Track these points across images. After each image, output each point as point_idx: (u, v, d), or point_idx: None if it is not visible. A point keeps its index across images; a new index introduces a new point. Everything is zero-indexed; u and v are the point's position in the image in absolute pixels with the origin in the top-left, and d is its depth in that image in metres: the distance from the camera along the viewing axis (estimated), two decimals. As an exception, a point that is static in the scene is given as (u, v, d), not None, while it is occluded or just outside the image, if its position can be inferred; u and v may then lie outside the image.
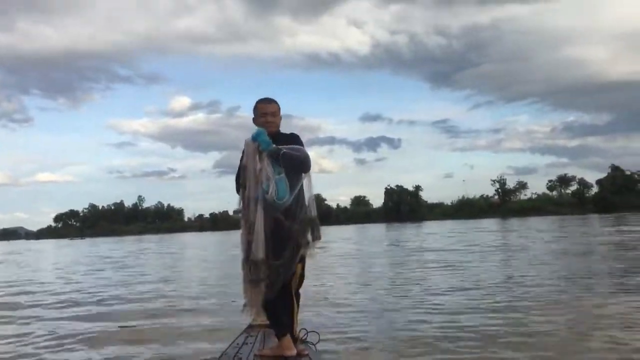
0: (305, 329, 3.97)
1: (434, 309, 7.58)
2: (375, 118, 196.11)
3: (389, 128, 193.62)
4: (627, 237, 21.31)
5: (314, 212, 3.59)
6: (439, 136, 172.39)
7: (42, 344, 6.59)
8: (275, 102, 3.83)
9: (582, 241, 20.79)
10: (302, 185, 3.57)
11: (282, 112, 3.82)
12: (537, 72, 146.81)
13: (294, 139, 3.71)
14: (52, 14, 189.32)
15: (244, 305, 3.47)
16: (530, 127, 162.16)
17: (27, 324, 8.22)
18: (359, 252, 22.22)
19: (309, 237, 3.57)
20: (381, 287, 10.36)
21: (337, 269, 14.57)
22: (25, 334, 7.30)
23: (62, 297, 11.20)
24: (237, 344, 3.96)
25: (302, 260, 3.64)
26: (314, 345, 4.05)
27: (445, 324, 6.47)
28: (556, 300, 7.80)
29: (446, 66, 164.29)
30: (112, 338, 6.75)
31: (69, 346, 6.40)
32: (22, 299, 11.46)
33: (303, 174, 3.58)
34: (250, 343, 3.97)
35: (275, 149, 3.47)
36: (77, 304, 10.15)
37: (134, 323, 7.70)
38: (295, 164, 3.52)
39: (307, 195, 3.60)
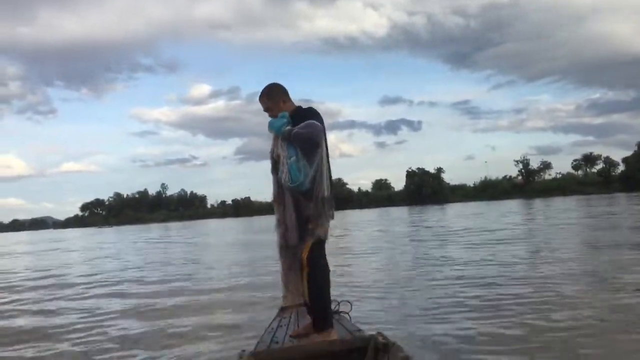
0: (336, 300, 4.01)
1: (463, 281, 7.65)
2: (394, 101, 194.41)
3: (409, 110, 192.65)
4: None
5: (326, 192, 3.51)
6: (460, 117, 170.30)
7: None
8: (264, 95, 3.82)
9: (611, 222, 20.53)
10: (318, 164, 3.51)
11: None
12: (559, 49, 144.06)
13: (309, 114, 3.68)
14: (73, 3, 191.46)
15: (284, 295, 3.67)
16: (553, 106, 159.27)
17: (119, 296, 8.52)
18: (384, 235, 22.28)
19: (323, 217, 3.52)
20: (408, 263, 10.45)
21: (362, 250, 14.69)
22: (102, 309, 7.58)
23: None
24: (272, 328, 3.98)
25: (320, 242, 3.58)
26: (347, 314, 4.13)
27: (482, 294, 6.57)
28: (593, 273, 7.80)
29: (465, 46, 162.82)
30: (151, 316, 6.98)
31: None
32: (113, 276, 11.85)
33: (317, 150, 3.52)
34: (285, 325, 4.00)
35: (287, 132, 3.54)
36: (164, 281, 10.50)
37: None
38: (304, 142, 3.51)
39: (321, 173, 3.52)
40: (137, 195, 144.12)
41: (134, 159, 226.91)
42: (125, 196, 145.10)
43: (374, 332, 3.16)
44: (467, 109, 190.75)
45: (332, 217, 3.57)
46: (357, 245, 16.79)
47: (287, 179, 3.50)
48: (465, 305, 6.30)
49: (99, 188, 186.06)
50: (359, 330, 3.59)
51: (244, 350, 3.06)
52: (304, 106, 3.83)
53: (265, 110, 3.81)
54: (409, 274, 9.46)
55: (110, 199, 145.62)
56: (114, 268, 15.07)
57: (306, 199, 3.50)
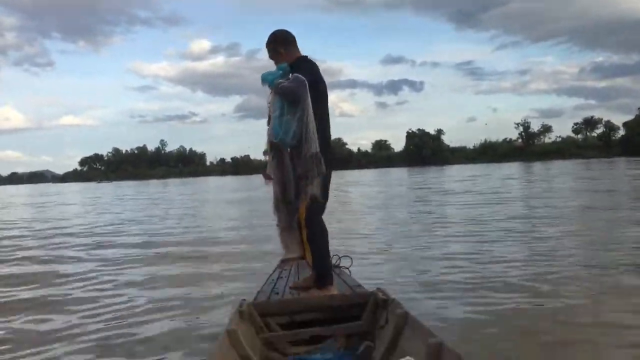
0: (337, 255, 4.04)
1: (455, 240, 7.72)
2: (397, 60, 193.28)
3: (412, 70, 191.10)
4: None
5: (313, 149, 3.29)
6: (463, 79, 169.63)
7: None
8: (267, 43, 3.68)
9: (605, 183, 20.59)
10: (301, 119, 3.31)
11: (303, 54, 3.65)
12: (566, 10, 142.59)
13: (302, 65, 3.54)
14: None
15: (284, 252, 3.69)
16: (557, 68, 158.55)
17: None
18: (382, 195, 22.36)
19: (311, 173, 3.34)
20: (404, 220, 10.52)
21: (359, 209, 14.77)
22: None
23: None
24: (272, 279, 4.02)
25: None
26: (347, 269, 4.15)
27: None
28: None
29: (470, 5, 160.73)
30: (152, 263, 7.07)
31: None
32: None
33: (299, 106, 3.32)
34: (285, 277, 4.04)
35: (275, 85, 3.39)
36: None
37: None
38: (287, 97, 3.34)
39: (307, 129, 3.30)
40: (136, 151, 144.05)
41: (133, 114, 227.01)
42: (124, 152, 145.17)
43: (373, 288, 3.14)
44: (471, 70, 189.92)
45: (323, 173, 3.35)
46: (354, 205, 16.87)
47: (270, 134, 3.42)
48: (456, 263, 6.37)
49: (97, 142, 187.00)
50: (359, 285, 3.60)
51: (244, 299, 3.04)
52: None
53: (270, 59, 3.69)
54: (405, 231, 9.55)
55: (109, 154, 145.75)
56: (115, 220, 15.25)
57: (296, 156, 3.39)
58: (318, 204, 3.48)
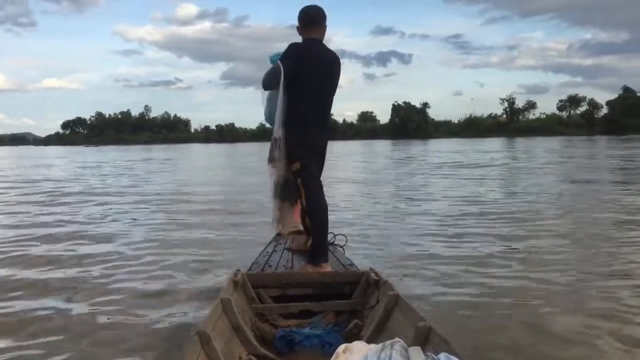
0: (332, 233, 4.10)
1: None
2: (386, 31, 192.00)
3: (401, 42, 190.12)
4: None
5: (275, 133, 3.56)
6: (451, 52, 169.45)
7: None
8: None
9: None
10: (269, 102, 3.67)
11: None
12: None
13: (302, 46, 3.68)
14: None
15: (275, 221, 3.89)
16: (546, 44, 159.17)
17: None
18: (365, 167, 22.56)
19: (271, 156, 3.60)
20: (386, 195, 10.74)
21: (341, 180, 14.94)
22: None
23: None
24: (267, 252, 4.08)
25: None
26: (342, 247, 4.27)
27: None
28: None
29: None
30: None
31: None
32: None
33: (269, 92, 3.67)
34: (279, 250, 4.14)
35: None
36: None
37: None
38: (262, 84, 3.66)
39: (276, 114, 3.57)
40: (119, 116, 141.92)
41: (117, 78, 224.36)
42: (107, 116, 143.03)
43: (367, 268, 3.21)
44: (459, 44, 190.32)
45: (281, 159, 3.58)
46: (338, 176, 17.02)
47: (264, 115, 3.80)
48: (439, 236, 6.61)
49: (80, 106, 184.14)
50: (352, 264, 3.70)
51: (238, 270, 3.09)
52: (301, 34, 3.72)
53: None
54: (387, 206, 9.79)
55: (92, 118, 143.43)
56: (110, 183, 15.18)
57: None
58: (314, 179, 3.63)
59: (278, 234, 4.50)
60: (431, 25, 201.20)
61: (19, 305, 4.11)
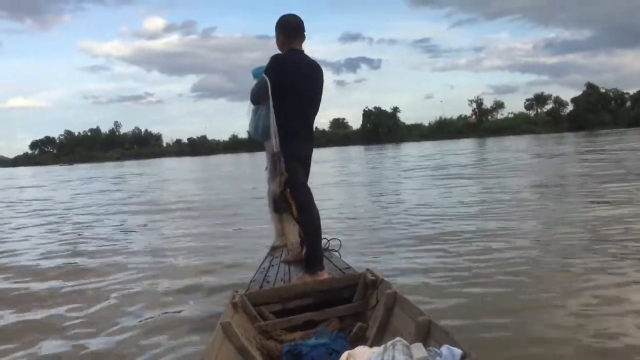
0: (326, 238, 4.07)
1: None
2: (355, 37, 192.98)
3: (369, 48, 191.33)
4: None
5: (275, 148, 3.48)
6: (420, 56, 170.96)
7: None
8: (275, 26, 3.68)
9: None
10: (260, 117, 3.59)
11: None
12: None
13: (283, 59, 3.59)
14: None
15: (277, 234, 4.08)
16: (512, 45, 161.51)
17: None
18: (339, 173, 22.88)
19: (272, 172, 3.58)
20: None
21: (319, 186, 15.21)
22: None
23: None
24: (264, 268, 4.03)
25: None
26: (337, 251, 4.31)
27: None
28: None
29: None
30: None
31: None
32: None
33: (258, 107, 3.62)
34: (276, 265, 4.09)
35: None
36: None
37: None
38: (251, 98, 3.63)
39: (270, 128, 3.49)
40: (89, 133, 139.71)
41: (85, 95, 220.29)
42: (76, 134, 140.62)
43: (363, 270, 3.25)
44: (427, 47, 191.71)
45: (283, 173, 3.54)
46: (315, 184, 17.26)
47: (250, 129, 3.74)
48: (418, 238, 6.78)
49: (48, 125, 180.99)
50: (349, 267, 3.72)
51: (236, 291, 3.05)
52: (274, 45, 3.67)
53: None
54: (367, 209, 10.11)
55: (61, 137, 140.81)
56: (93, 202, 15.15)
57: (269, 151, 3.61)
58: (303, 188, 3.62)
59: (273, 248, 4.53)
60: (399, 29, 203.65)
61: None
